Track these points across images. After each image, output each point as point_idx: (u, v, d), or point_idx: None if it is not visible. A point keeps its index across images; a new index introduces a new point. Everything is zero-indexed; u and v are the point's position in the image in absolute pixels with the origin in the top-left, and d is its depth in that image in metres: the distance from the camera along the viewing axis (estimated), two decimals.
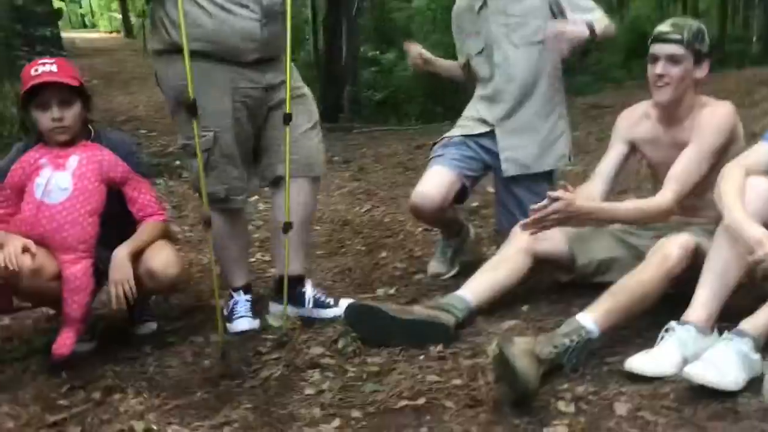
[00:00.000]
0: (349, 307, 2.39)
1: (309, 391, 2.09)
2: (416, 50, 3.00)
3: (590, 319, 2.07)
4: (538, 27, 2.73)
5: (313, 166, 2.60)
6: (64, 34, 9.15)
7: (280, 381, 2.16)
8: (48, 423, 2.00)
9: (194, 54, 2.32)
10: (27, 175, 2.33)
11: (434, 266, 3.00)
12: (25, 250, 2.21)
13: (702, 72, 2.33)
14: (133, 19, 19.08)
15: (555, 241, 2.47)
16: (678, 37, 2.27)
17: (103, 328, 2.58)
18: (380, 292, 2.85)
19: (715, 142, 2.28)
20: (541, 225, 2.22)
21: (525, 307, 2.52)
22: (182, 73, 2.31)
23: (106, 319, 2.63)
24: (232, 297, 2.65)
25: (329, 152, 4.15)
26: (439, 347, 2.23)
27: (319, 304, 2.61)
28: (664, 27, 2.33)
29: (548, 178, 2.84)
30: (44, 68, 2.32)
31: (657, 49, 2.31)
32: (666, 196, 2.29)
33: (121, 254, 2.32)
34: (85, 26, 24.73)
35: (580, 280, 2.51)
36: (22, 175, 2.34)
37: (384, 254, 3.36)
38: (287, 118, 2.41)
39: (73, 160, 2.37)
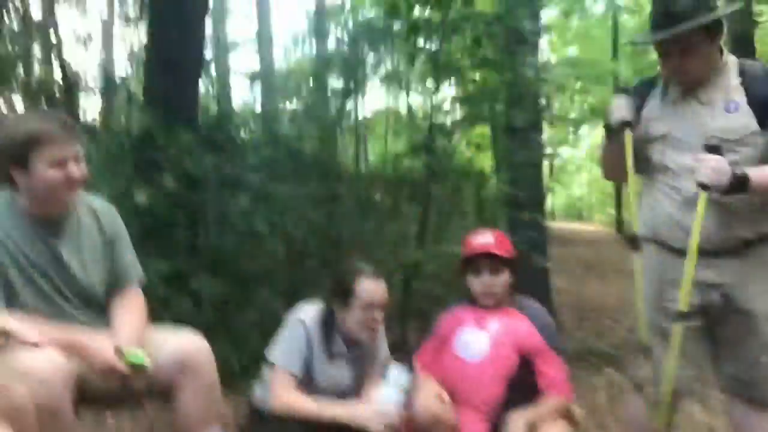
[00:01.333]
0: None
1: None
2: None
3: None
4: None
5: (760, 391, 2.36)
6: (553, 224, 9.91)
7: None
8: None
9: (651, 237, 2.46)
10: (452, 329, 2.59)
11: None
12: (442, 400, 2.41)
13: None
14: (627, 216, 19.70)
15: None
16: None
17: None
18: None
19: None
20: None
21: None
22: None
23: None
24: None
25: None
26: None
27: None
28: None
29: None
30: (483, 239, 2.61)
31: None
32: None
33: (517, 419, 2.36)
34: (580, 218, 26.48)
35: None
36: (447, 328, 2.61)
37: None
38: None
39: (494, 323, 2.56)
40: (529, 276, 4.31)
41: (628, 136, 2.42)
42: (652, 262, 2.44)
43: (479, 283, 2.58)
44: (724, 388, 2.46)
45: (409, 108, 7.67)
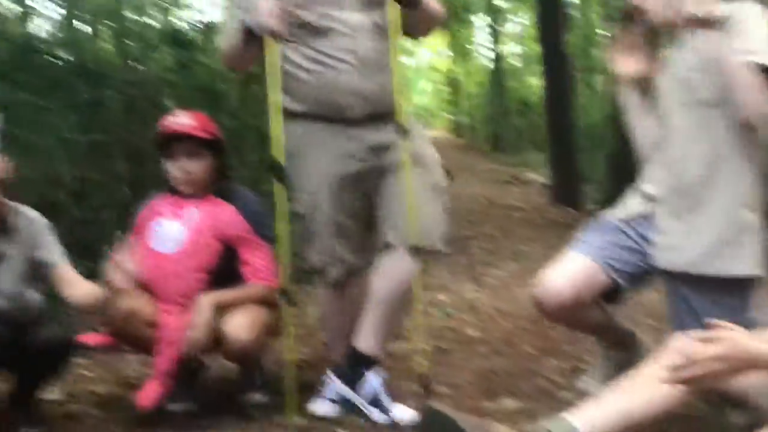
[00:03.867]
0: (425, 409, 1.97)
1: None
2: None
3: None
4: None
5: (423, 236, 2.27)
6: None
7: None
8: None
9: (297, 115, 2.27)
10: (147, 220, 2.40)
11: (586, 381, 2.39)
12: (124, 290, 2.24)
13: None
14: (465, 119, 20.14)
15: None
16: None
17: (210, 393, 2.50)
18: (507, 403, 2.35)
19: None
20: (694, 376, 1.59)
21: None
22: (290, 134, 2.28)
23: (215, 383, 2.56)
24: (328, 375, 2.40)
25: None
26: None
27: (375, 402, 2.25)
28: None
29: (737, 292, 2.07)
30: (179, 120, 2.39)
31: None
32: None
33: (204, 301, 2.25)
34: (428, 125, 26.92)
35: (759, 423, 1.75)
36: (142, 220, 2.41)
37: (549, 360, 2.82)
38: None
39: (192, 212, 2.38)
40: None
41: (275, 49, 2.24)
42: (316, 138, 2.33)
43: (176, 168, 2.38)
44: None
45: None
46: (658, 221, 2.13)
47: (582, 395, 2.32)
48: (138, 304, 2.26)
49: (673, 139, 2.12)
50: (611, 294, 2.20)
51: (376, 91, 2.28)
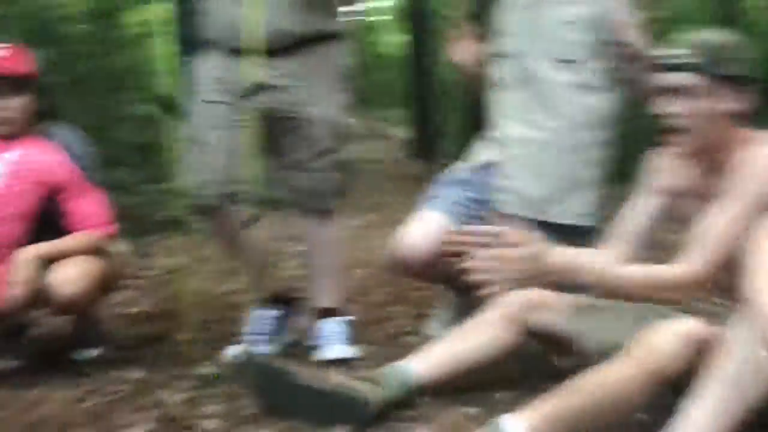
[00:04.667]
0: (252, 364, 1.93)
1: None
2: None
3: (523, 426, 1.44)
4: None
5: (313, 201, 2.31)
6: None
7: None
8: None
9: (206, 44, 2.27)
10: None
11: (433, 326, 2.44)
12: None
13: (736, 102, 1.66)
14: None
15: (555, 311, 1.85)
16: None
17: (38, 349, 2.33)
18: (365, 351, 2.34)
19: (757, 191, 1.58)
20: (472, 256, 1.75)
21: (498, 395, 1.90)
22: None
23: (45, 339, 2.39)
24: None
25: None
26: (349, 430, 1.70)
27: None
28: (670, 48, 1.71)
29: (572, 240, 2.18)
30: None
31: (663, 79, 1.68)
32: (689, 262, 1.62)
33: (24, 254, 2.07)
34: None
35: (583, 366, 1.84)
36: None
37: (398, 308, 2.85)
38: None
39: (8, 155, 2.16)
40: None
41: None
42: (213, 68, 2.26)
43: None
44: (288, 201, 2.41)
45: None
46: (505, 168, 2.18)
47: (428, 340, 2.37)
48: None
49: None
50: None
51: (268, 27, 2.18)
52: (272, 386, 1.81)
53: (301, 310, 2.47)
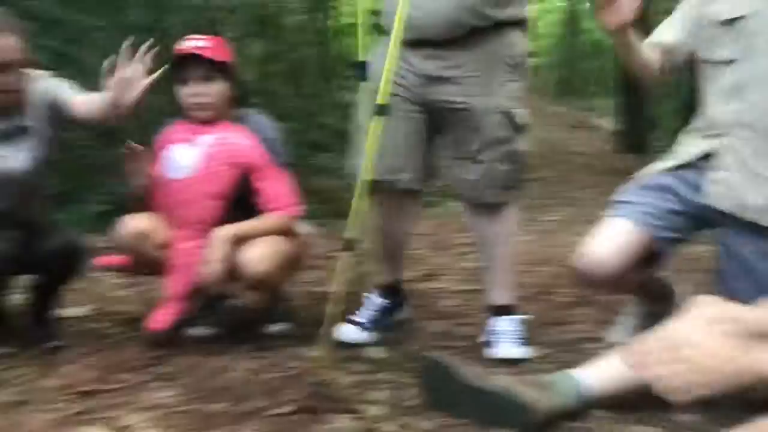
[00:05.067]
0: (425, 358, 1.90)
1: None
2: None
3: None
4: None
5: (481, 194, 2.26)
6: None
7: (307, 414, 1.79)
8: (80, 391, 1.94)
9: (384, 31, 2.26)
10: (162, 147, 2.35)
11: (615, 333, 2.28)
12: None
13: None
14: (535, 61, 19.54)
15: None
16: None
17: (232, 320, 2.49)
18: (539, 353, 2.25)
19: None
20: None
21: (680, 417, 1.72)
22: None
23: (239, 312, 2.55)
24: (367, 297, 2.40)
25: None
26: None
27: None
28: None
29: None
30: (191, 43, 2.31)
31: None
32: None
33: (219, 234, 2.21)
34: None
35: None
36: (159, 147, 2.36)
37: (582, 311, 2.70)
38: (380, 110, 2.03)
39: (206, 138, 2.32)
40: None
41: None
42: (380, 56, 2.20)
43: (188, 93, 2.30)
44: (457, 194, 2.38)
45: None
46: (721, 160, 1.94)
47: (609, 347, 2.22)
48: (148, 225, 2.26)
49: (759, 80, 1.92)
50: (654, 255, 2.04)
51: (431, 17, 2.15)
52: (439, 381, 1.78)
53: (406, 305, 2.51)
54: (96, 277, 2.90)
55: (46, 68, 2.33)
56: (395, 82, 2.13)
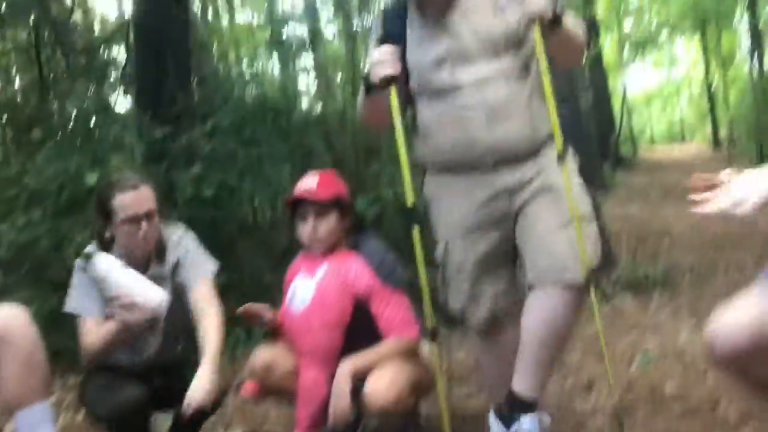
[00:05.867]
0: None
1: None
2: None
3: None
4: None
5: (560, 271, 2.11)
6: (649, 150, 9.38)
7: None
8: None
9: (434, 165, 2.31)
10: (289, 279, 2.51)
11: None
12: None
13: None
14: (723, 131, 18.43)
15: None
16: None
17: None
18: None
19: None
20: None
21: None
22: (426, 185, 2.36)
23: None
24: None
25: None
26: None
27: None
28: None
29: None
30: (305, 183, 2.44)
31: None
32: None
33: (340, 371, 2.27)
34: (683, 139, 24.89)
35: None
36: (287, 279, 2.52)
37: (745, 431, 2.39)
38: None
39: (321, 270, 2.42)
40: None
41: (394, 93, 2.18)
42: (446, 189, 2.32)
43: (304, 228, 2.43)
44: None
45: None
46: None
47: None
48: (276, 356, 2.39)
49: None
50: None
51: (504, 138, 2.17)
52: None
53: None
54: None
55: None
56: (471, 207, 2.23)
